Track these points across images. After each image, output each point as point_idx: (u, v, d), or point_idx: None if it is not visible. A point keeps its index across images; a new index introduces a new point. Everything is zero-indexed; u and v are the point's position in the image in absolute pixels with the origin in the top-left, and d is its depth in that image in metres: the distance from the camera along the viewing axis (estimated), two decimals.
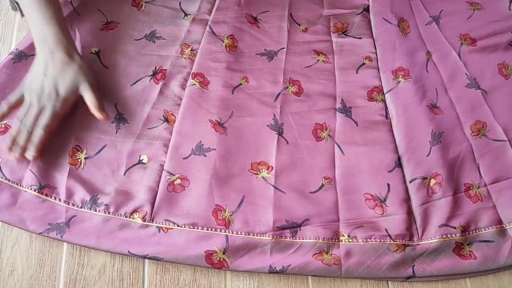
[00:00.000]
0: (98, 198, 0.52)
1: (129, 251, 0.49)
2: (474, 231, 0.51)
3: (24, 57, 0.59)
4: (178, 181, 0.53)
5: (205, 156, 0.55)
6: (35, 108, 0.52)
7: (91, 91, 0.55)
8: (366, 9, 0.68)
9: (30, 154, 0.51)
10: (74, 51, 0.56)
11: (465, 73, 0.61)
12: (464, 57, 0.63)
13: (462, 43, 0.64)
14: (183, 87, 0.60)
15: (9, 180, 0.52)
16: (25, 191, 0.51)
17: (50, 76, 0.53)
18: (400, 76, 0.61)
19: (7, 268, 0.50)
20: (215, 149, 0.55)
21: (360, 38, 0.65)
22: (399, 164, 0.55)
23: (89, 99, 0.54)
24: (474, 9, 0.67)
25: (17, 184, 0.51)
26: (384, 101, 0.60)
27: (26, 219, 0.49)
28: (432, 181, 0.54)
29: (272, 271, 0.49)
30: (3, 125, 0.55)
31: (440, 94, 0.60)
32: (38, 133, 0.52)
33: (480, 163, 0.55)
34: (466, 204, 0.53)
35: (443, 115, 0.58)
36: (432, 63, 0.63)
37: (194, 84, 0.60)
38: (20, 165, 0.52)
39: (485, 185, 0.54)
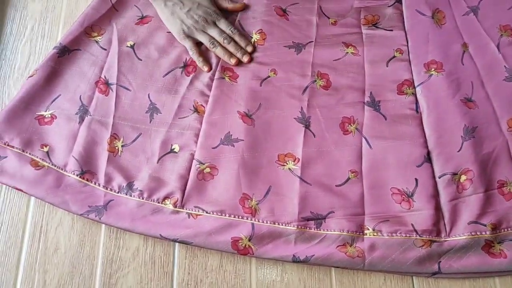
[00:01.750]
0: (134, 184, 0.55)
1: (160, 235, 0.51)
2: (506, 229, 0.50)
3: (67, 51, 0.63)
4: (208, 169, 0.56)
5: (233, 146, 0.56)
6: (213, 29, 0.62)
7: None
8: (399, 1, 0.66)
9: (250, 47, 0.62)
10: None
11: (504, 65, 0.59)
12: (503, 49, 0.60)
13: (502, 35, 0.61)
14: (212, 78, 0.62)
15: (55, 166, 0.56)
16: (69, 176, 0.55)
17: (187, 7, 0.61)
18: (433, 69, 0.60)
19: (51, 246, 0.54)
20: (243, 140, 0.57)
21: (391, 30, 0.64)
22: (428, 159, 0.54)
23: None
24: None
25: (61, 169, 0.55)
26: (414, 94, 0.59)
27: (69, 201, 0.53)
28: (463, 177, 0.53)
29: (295, 260, 0.50)
30: (49, 115, 0.59)
31: (476, 87, 0.58)
32: (237, 35, 0.62)
33: None
34: (498, 202, 0.51)
35: (478, 110, 0.57)
36: (469, 56, 0.61)
37: (224, 78, 0.61)
38: (64, 152, 0.56)
39: None
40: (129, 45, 0.64)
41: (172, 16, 0.62)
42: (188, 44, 0.62)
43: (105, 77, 0.62)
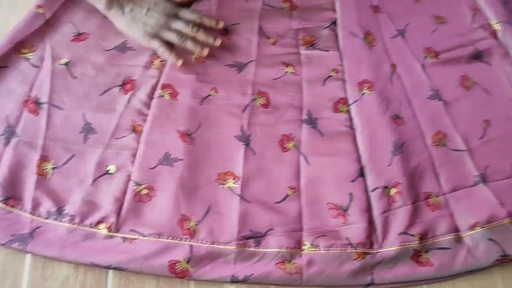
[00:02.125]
0: (64, 209, 0.52)
1: (92, 261, 0.49)
2: (431, 239, 0.53)
3: None
4: (145, 191, 0.54)
5: (172, 166, 0.56)
6: (178, 22, 0.61)
7: None
8: (334, 23, 0.70)
9: (221, 23, 0.63)
10: None
11: (428, 85, 0.64)
12: (427, 69, 0.65)
13: (426, 56, 0.66)
14: (150, 97, 0.61)
15: None
16: None
17: (145, 8, 0.61)
18: (365, 88, 0.63)
19: None
20: (182, 160, 0.56)
21: (328, 51, 0.67)
22: (361, 173, 0.57)
23: None
24: (438, 23, 0.70)
25: None
26: (349, 112, 0.62)
27: None
28: (393, 190, 0.55)
29: (234, 280, 0.49)
30: None
31: (404, 105, 0.62)
32: (205, 18, 0.62)
33: (439, 173, 0.57)
34: (424, 213, 0.54)
35: (406, 126, 0.60)
36: (397, 75, 0.65)
37: (163, 95, 0.61)
38: None
39: (444, 194, 0.56)
40: (63, 63, 0.62)
41: (133, 21, 0.61)
42: (156, 44, 0.61)
43: (35, 95, 0.59)
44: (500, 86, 0.63)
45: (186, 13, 0.62)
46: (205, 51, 0.62)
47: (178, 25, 0.61)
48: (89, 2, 0.62)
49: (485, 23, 0.69)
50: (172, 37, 0.61)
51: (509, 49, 0.66)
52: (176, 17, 0.62)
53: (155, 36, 0.61)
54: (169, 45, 0.62)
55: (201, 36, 0.61)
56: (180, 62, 0.61)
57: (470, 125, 0.60)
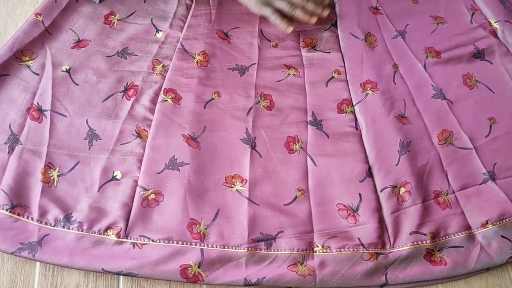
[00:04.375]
0: (72, 216, 0.51)
1: (102, 268, 0.48)
2: (444, 237, 0.53)
3: None
4: (152, 196, 0.53)
5: (179, 171, 0.55)
6: None
7: None
8: (334, 25, 0.70)
9: (326, 12, 0.66)
10: None
11: (431, 84, 0.64)
12: (429, 69, 0.65)
13: (427, 56, 0.67)
14: (154, 102, 0.60)
15: None
16: None
17: None
18: (368, 89, 0.63)
19: None
20: (188, 164, 0.56)
21: (329, 52, 0.67)
22: (369, 174, 0.57)
23: None
24: (438, 23, 0.70)
25: None
26: (353, 112, 0.62)
27: None
28: (402, 190, 0.55)
29: (247, 284, 0.49)
30: None
31: (408, 104, 0.62)
32: None
33: (448, 171, 0.57)
34: (435, 211, 0.54)
35: (411, 125, 0.60)
36: (399, 75, 0.65)
37: (166, 100, 0.60)
38: None
39: (453, 192, 0.56)
40: (65, 70, 0.62)
41: None
42: (268, 12, 0.65)
43: (37, 103, 0.59)
44: (502, 84, 0.64)
45: None
46: (313, 20, 0.65)
47: None
48: None
49: (484, 22, 0.69)
50: (283, 5, 0.65)
51: (509, 47, 0.66)
52: None
53: (267, 4, 0.65)
54: (280, 13, 0.65)
55: (309, 6, 0.65)
56: (290, 29, 0.65)
57: (476, 123, 0.61)
